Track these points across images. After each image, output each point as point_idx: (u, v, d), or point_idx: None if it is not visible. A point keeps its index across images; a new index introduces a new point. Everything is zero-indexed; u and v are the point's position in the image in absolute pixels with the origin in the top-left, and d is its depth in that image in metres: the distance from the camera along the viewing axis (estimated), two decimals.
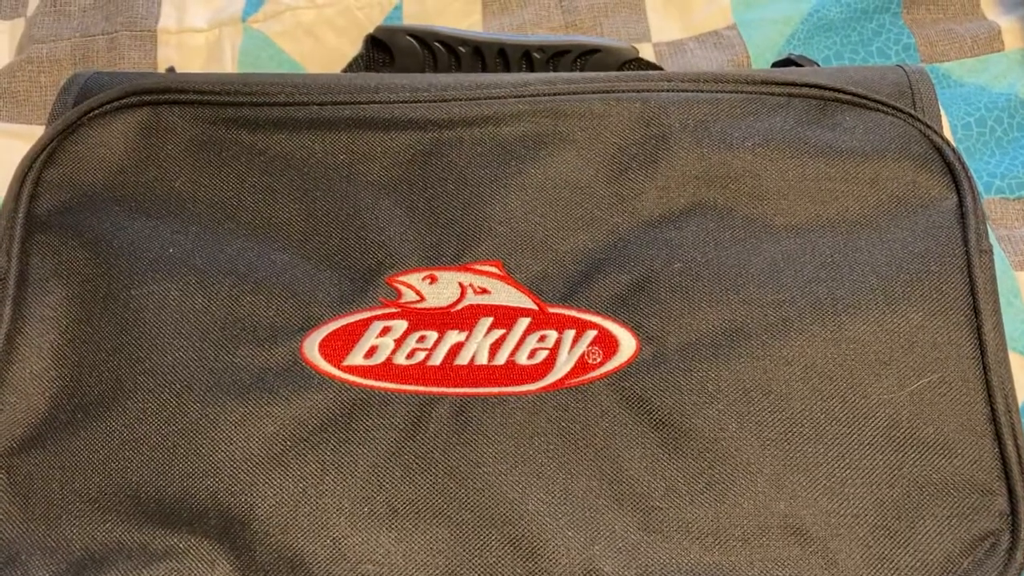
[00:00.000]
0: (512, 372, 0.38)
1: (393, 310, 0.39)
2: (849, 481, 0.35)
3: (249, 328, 0.39)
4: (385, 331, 0.39)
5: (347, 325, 0.39)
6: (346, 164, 0.42)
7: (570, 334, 0.38)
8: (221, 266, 0.40)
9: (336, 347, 0.38)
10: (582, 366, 0.37)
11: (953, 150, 0.40)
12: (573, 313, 0.38)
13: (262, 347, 0.38)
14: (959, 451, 0.36)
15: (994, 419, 0.36)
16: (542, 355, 0.38)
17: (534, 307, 0.39)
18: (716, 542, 0.34)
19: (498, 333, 0.38)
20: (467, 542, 0.35)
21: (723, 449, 0.36)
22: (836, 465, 0.35)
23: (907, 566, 0.34)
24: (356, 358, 0.38)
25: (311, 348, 0.38)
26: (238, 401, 0.37)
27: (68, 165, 0.42)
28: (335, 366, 0.38)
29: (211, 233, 0.41)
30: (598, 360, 0.38)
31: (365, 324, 0.39)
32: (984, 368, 0.36)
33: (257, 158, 0.42)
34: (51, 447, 0.38)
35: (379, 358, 0.38)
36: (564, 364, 0.38)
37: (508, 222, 0.40)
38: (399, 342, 0.38)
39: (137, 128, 0.43)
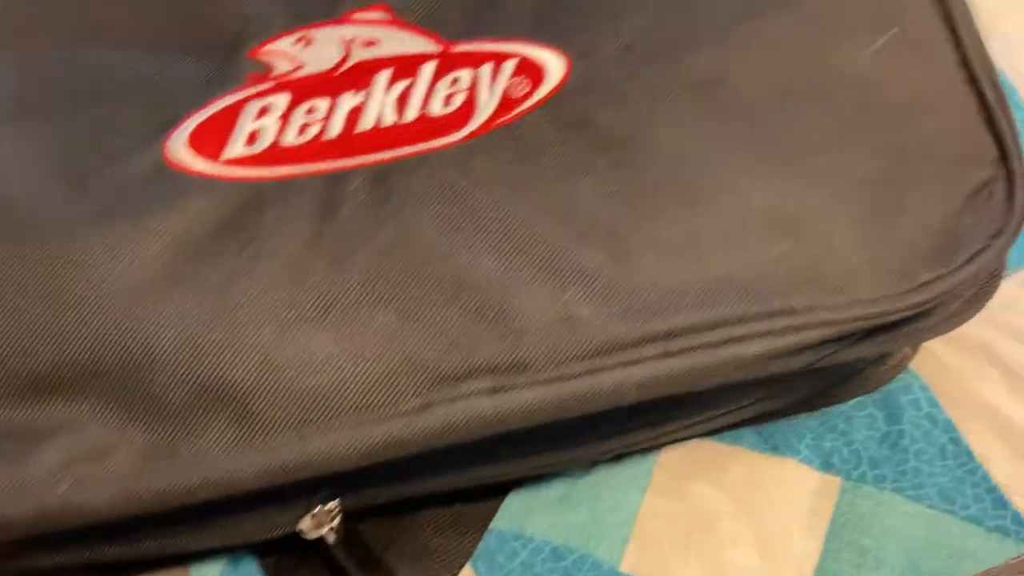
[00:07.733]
0: (428, 126, 0.31)
1: (267, 85, 0.32)
2: (826, 160, 0.31)
3: (94, 146, 0.31)
4: (263, 111, 0.32)
5: (214, 114, 0.31)
6: None
7: (487, 69, 0.32)
8: (43, 83, 0.32)
9: (208, 142, 0.31)
10: (509, 101, 0.32)
11: None
12: (485, 46, 0.32)
13: (116, 163, 0.31)
14: (935, 105, 0.32)
15: (965, 64, 0.32)
16: (459, 99, 0.32)
17: (437, 48, 0.32)
18: (698, 253, 0.30)
19: (401, 86, 0.32)
20: (422, 322, 0.29)
21: (684, 153, 0.31)
22: (809, 145, 0.31)
23: (907, 233, 0.31)
24: (236, 148, 0.31)
25: (177, 149, 0.31)
26: (103, 227, 0.30)
27: None
28: (214, 162, 0.31)
29: (23, 50, 0.33)
30: (526, 90, 0.32)
31: (237, 108, 0.32)
32: (946, 14, 0.33)
33: None
34: None
35: (264, 143, 0.31)
36: (487, 104, 0.32)
37: None
38: (284, 119, 0.31)
39: None
